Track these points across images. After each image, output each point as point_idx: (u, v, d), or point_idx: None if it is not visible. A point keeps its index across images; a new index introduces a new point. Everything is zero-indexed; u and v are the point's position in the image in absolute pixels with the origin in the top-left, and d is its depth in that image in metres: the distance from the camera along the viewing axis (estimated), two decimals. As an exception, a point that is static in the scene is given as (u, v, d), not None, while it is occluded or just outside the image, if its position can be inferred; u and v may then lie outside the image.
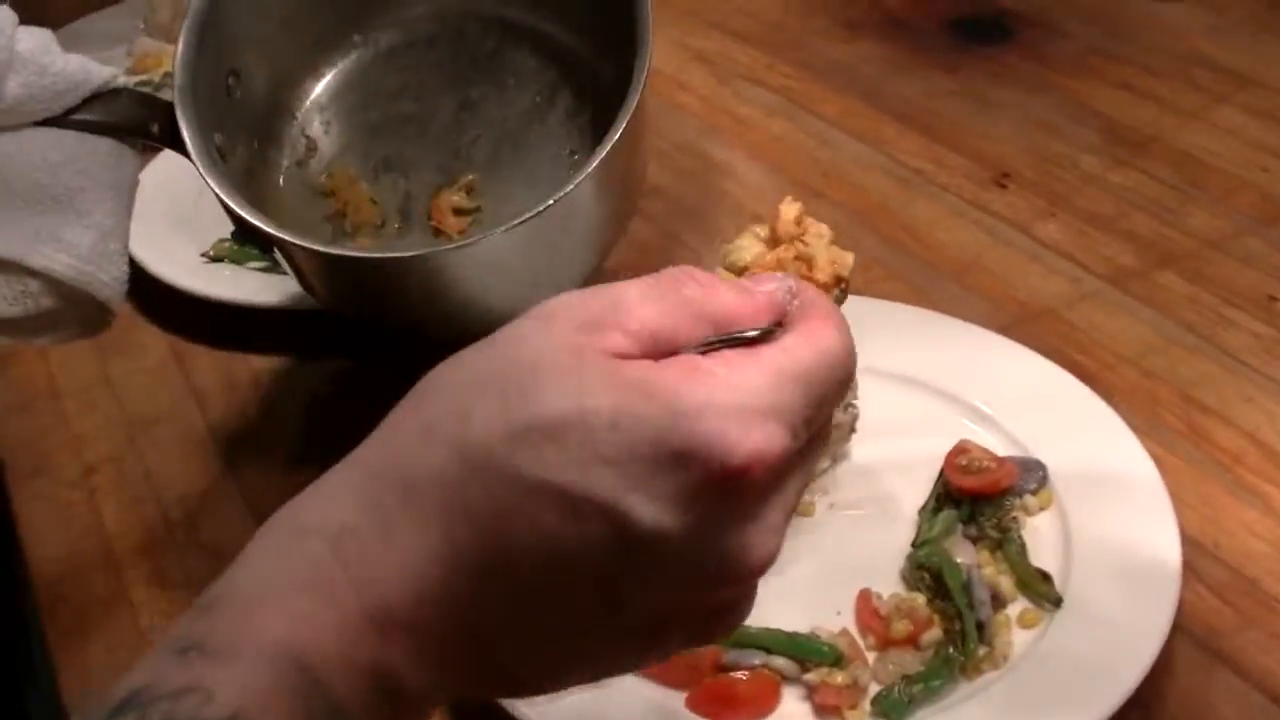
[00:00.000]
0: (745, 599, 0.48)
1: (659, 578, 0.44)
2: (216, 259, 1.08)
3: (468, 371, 0.46)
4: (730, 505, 0.44)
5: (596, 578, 0.44)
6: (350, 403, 0.96)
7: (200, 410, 0.99)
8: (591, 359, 0.44)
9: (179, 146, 0.83)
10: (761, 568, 0.45)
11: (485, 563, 0.44)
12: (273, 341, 1.03)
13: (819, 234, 0.79)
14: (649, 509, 0.43)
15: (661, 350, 0.45)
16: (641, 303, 0.46)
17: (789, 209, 0.80)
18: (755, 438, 0.43)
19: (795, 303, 0.48)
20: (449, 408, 0.45)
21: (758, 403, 0.44)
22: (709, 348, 0.46)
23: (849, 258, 0.77)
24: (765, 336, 0.46)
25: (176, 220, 1.10)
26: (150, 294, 1.06)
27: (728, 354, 0.45)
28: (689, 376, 0.44)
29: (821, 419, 0.47)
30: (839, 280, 0.76)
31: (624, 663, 0.49)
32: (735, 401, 0.43)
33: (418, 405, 0.47)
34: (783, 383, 0.45)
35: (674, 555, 0.44)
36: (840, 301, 0.67)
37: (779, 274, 0.49)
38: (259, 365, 1.02)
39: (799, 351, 0.46)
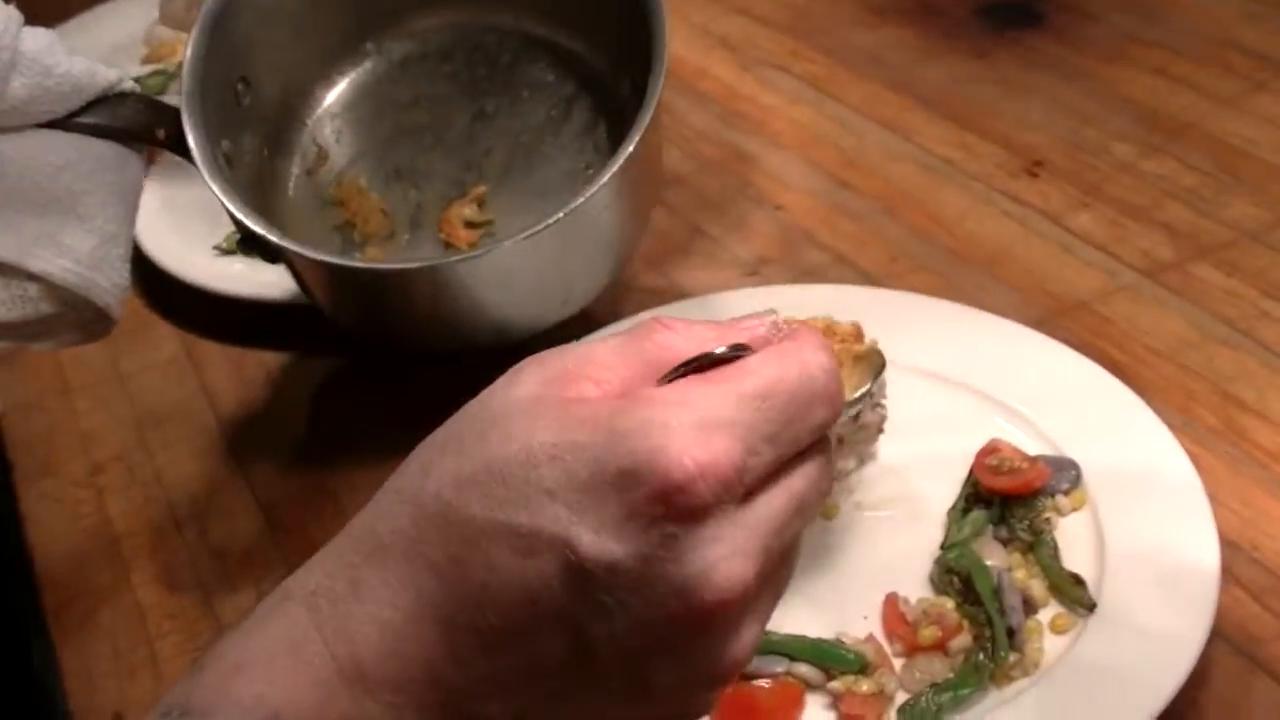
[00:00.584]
0: (732, 629, 0.45)
1: (620, 611, 0.43)
2: (229, 252, 1.07)
3: (439, 434, 0.47)
4: (682, 526, 0.42)
5: (560, 619, 0.44)
6: (364, 398, 0.97)
7: (211, 407, 0.98)
8: (545, 405, 0.45)
9: (185, 153, 0.83)
10: (730, 592, 0.43)
11: (450, 611, 0.45)
12: (285, 336, 1.02)
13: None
14: (595, 538, 0.42)
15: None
16: (611, 354, 0.46)
17: None
18: (699, 452, 0.42)
19: (779, 336, 0.47)
20: (415, 469, 0.47)
21: (702, 418, 0.43)
22: (676, 374, 0.45)
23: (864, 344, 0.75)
24: (734, 356, 0.46)
25: (188, 213, 1.09)
26: (162, 288, 1.06)
27: (682, 381, 0.45)
28: (631, 402, 0.44)
29: (792, 436, 0.45)
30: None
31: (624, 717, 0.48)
32: (677, 418, 0.43)
33: (399, 472, 0.48)
34: (735, 398, 0.44)
35: (630, 584, 0.43)
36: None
37: (763, 312, 0.49)
38: (271, 360, 1.01)
39: (758, 369, 0.45)
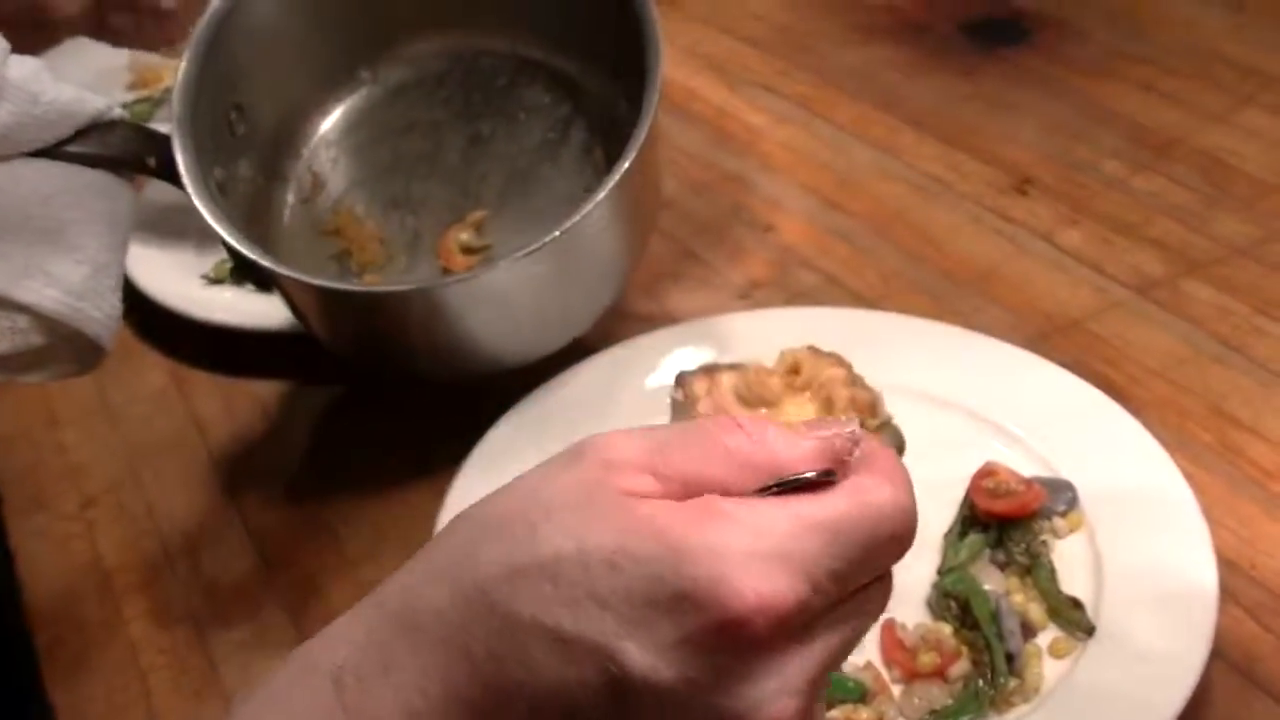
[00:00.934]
0: None
1: None
2: (217, 280, 1.06)
3: (487, 509, 0.45)
4: (735, 659, 0.41)
5: None
6: (355, 427, 0.96)
7: (201, 438, 0.97)
8: (603, 496, 0.42)
9: (176, 181, 0.82)
10: None
11: (481, 707, 0.43)
12: (275, 365, 1.01)
13: (835, 375, 0.78)
14: (643, 656, 0.41)
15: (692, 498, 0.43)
16: (681, 448, 0.44)
17: (787, 360, 0.81)
18: (761, 586, 0.40)
19: (856, 453, 0.45)
20: (460, 547, 0.44)
21: (770, 548, 0.41)
22: (761, 494, 0.43)
23: (873, 395, 0.76)
24: (821, 482, 0.43)
25: (176, 241, 1.09)
26: (150, 318, 1.05)
27: (755, 499, 0.43)
28: (700, 516, 0.42)
29: (859, 575, 0.43)
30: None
31: None
32: (744, 545, 0.41)
33: (436, 544, 0.46)
34: (805, 530, 0.42)
35: (672, 710, 0.41)
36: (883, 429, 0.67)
37: (841, 419, 0.46)
38: (262, 390, 1.01)
39: (834, 501, 0.43)
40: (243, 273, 0.85)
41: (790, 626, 0.41)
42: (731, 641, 0.40)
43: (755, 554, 0.41)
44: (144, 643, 0.82)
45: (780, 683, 0.41)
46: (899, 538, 0.44)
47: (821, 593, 0.42)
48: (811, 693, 0.42)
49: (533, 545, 0.42)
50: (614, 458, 0.44)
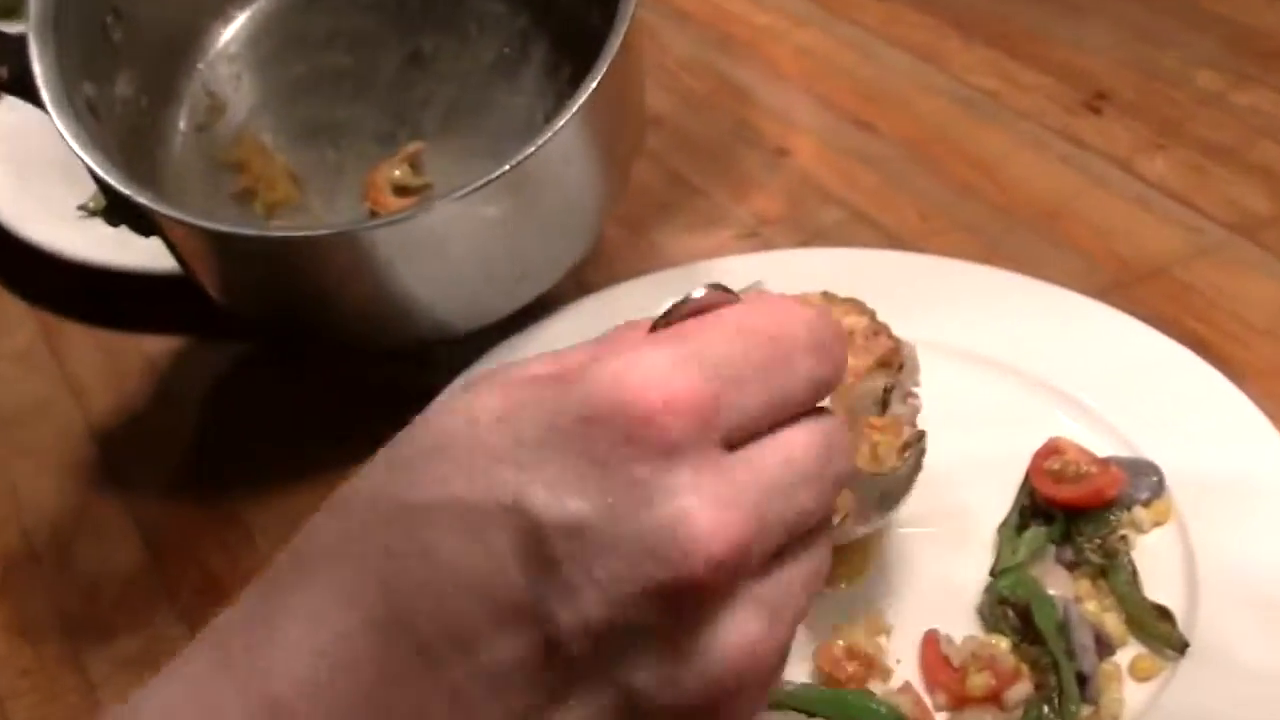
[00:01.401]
0: (722, 603, 0.44)
1: (589, 586, 0.43)
2: (96, 213, 1.05)
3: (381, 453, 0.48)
4: (650, 463, 0.43)
5: (519, 610, 0.43)
6: (266, 393, 0.98)
7: (78, 406, 0.97)
8: (492, 380, 0.46)
9: (32, 96, 0.82)
10: (714, 542, 0.43)
11: (388, 616, 0.44)
12: (168, 317, 1.01)
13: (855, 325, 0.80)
14: (550, 494, 0.43)
15: None
16: (572, 349, 0.47)
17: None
18: (663, 383, 0.43)
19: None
20: (345, 485, 0.48)
21: (667, 355, 0.44)
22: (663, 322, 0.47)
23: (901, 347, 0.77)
24: (716, 300, 0.48)
25: (43, 166, 1.08)
26: (12, 259, 1.05)
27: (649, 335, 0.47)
28: (586, 360, 0.45)
29: (777, 385, 0.46)
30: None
31: None
32: (637, 358, 0.44)
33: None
34: (704, 336, 0.45)
35: (596, 548, 0.43)
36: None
37: (749, 286, 0.51)
38: (151, 347, 1.01)
39: (729, 313, 0.47)
40: (117, 213, 0.85)
41: (707, 426, 0.44)
42: (643, 445, 0.43)
43: (652, 363, 0.44)
44: (2, 660, 0.81)
45: (710, 493, 0.43)
46: (810, 346, 0.47)
47: (735, 391, 0.45)
48: (757, 519, 0.44)
49: (419, 437, 0.46)
50: (503, 365, 0.48)
